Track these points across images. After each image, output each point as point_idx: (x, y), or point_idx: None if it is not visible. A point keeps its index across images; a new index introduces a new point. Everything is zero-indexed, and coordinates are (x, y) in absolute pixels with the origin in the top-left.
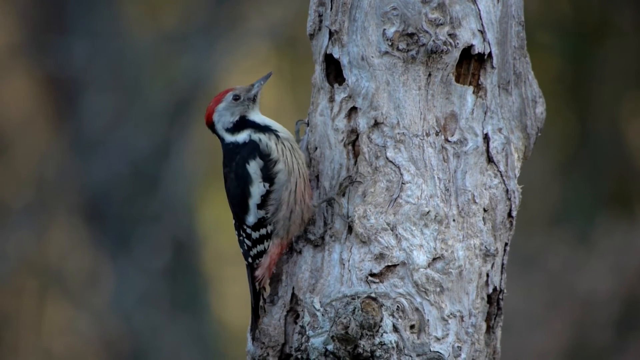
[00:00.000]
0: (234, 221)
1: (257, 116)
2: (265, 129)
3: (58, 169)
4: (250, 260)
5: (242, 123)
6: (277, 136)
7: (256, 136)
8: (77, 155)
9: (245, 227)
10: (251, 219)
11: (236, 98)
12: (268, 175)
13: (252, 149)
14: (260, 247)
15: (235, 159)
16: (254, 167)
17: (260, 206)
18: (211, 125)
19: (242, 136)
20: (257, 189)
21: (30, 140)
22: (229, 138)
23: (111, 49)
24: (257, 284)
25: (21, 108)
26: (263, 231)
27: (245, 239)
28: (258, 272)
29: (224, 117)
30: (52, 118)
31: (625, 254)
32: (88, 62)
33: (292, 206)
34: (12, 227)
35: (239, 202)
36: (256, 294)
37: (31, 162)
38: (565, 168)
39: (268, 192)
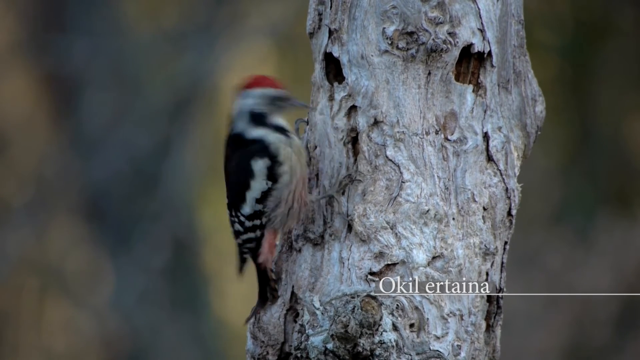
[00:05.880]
0: (227, 200)
1: (276, 119)
2: (279, 129)
3: (58, 167)
4: (240, 242)
5: (261, 120)
6: (288, 138)
7: (269, 137)
8: (77, 153)
9: (239, 214)
10: (247, 209)
11: (277, 99)
12: (272, 175)
13: (262, 148)
14: (251, 235)
15: (241, 148)
16: (260, 165)
17: (259, 201)
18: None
19: (257, 132)
20: (259, 185)
21: (30, 139)
22: (240, 125)
23: (111, 47)
24: (262, 268)
25: (21, 106)
26: (257, 222)
27: (237, 224)
28: (261, 259)
29: (253, 101)
30: (52, 116)
31: (625, 253)
32: (88, 60)
33: (291, 203)
34: (12, 226)
35: (236, 192)
36: (262, 276)
37: (31, 160)
38: (564, 167)
39: (270, 190)
